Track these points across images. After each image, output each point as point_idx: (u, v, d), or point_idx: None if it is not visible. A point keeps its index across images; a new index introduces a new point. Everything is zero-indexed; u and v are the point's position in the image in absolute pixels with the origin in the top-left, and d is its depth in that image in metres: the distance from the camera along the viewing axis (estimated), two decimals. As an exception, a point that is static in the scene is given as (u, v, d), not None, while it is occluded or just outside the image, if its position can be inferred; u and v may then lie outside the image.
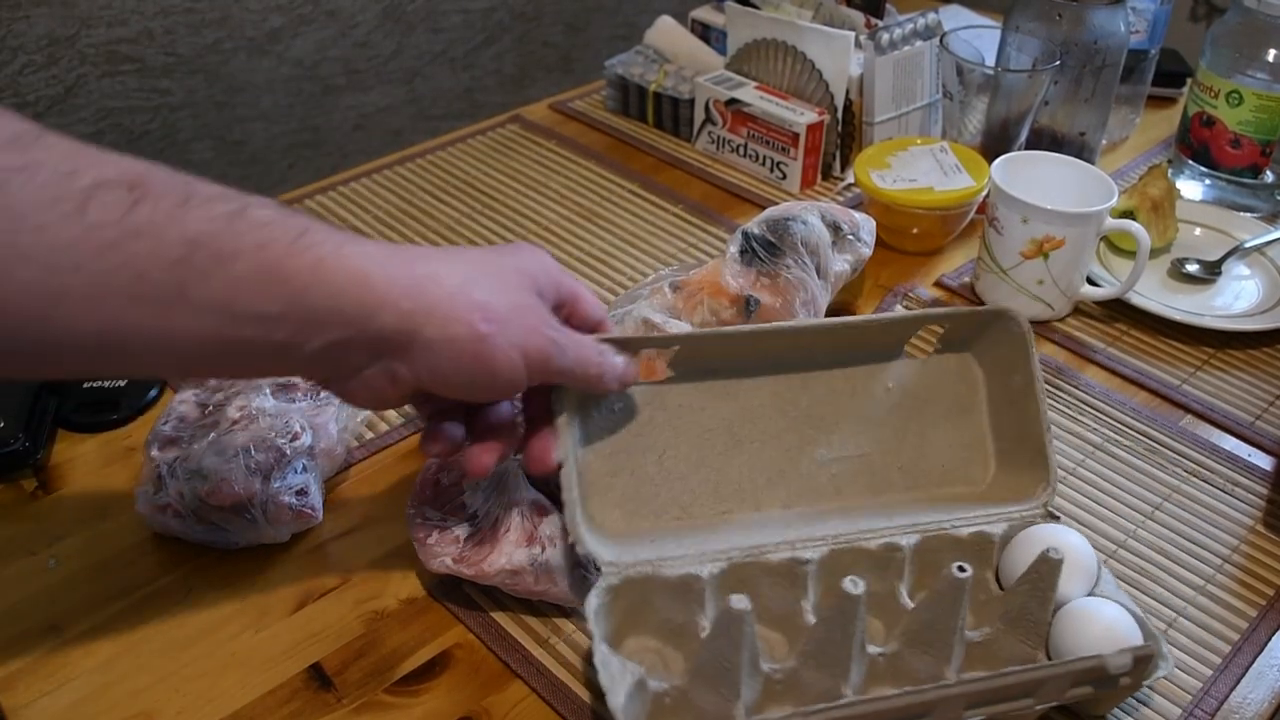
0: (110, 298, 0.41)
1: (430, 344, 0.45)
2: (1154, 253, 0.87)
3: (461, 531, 0.56)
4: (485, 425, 0.53)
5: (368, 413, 0.68)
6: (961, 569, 0.51)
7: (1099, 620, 0.53)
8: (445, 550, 0.56)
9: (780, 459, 0.60)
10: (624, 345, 0.54)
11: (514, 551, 0.55)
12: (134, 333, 0.42)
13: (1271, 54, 0.89)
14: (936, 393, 0.62)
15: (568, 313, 0.53)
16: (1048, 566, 0.52)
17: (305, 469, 0.61)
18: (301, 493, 0.61)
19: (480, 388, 0.48)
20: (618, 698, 0.48)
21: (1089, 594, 0.55)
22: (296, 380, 0.65)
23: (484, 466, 0.52)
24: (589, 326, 0.54)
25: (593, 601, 0.52)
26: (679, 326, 0.69)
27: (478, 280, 0.47)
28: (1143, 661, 0.50)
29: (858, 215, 0.77)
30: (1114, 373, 0.78)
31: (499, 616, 0.58)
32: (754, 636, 0.49)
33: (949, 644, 0.52)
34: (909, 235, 0.89)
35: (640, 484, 0.58)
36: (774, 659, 0.53)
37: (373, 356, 0.46)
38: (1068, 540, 0.56)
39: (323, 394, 0.65)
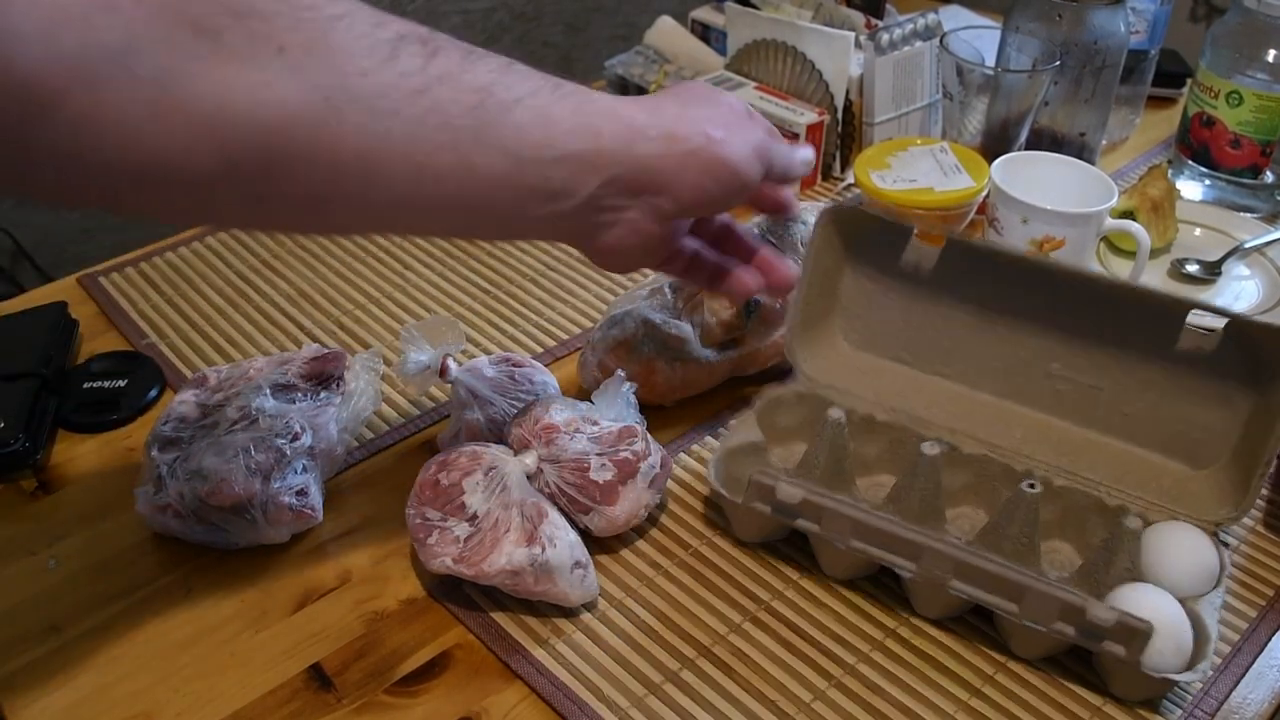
0: (423, 140, 0.45)
1: (682, 164, 0.51)
2: (1154, 253, 0.87)
3: (461, 532, 0.56)
4: (737, 250, 0.62)
5: (368, 413, 0.67)
6: (1031, 486, 0.55)
7: (1144, 606, 0.53)
8: (445, 550, 0.56)
9: (1016, 353, 0.62)
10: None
11: (514, 551, 0.55)
12: (439, 177, 0.46)
13: (1271, 54, 0.89)
14: (1205, 373, 0.60)
15: None
16: (1128, 539, 0.54)
17: (305, 469, 0.61)
18: (301, 493, 0.61)
19: (733, 189, 0.54)
20: (727, 446, 0.61)
21: (1192, 598, 0.55)
22: (296, 380, 0.65)
23: (748, 287, 0.60)
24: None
25: (766, 395, 0.65)
26: (679, 327, 0.69)
27: (692, 105, 0.53)
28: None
29: (858, 215, 0.78)
30: (1114, 373, 0.77)
31: (499, 617, 0.58)
32: (845, 450, 0.58)
33: (1003, 552, 0.56)
34: (909, 235, 0.89)
35: (885, 319, 0.66)
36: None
37: (633, 195, 0.51)
38: (1187, 538, 0.56)
39: (322, 394, 0.65)
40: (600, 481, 0.59)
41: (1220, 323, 0.58)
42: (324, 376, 0.66)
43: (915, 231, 0.65)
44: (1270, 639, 0.58)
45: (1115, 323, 0.61)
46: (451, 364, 0.65)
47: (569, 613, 0.58)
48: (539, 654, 0.56)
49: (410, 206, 0.48)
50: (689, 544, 0.63)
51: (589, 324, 0.80)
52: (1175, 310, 0.60)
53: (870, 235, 0.65)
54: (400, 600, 0.59)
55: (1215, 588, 0.56)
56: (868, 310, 0.67)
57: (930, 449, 0.57)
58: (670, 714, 0.53)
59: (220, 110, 0.40)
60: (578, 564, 0.57)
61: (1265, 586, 0.61)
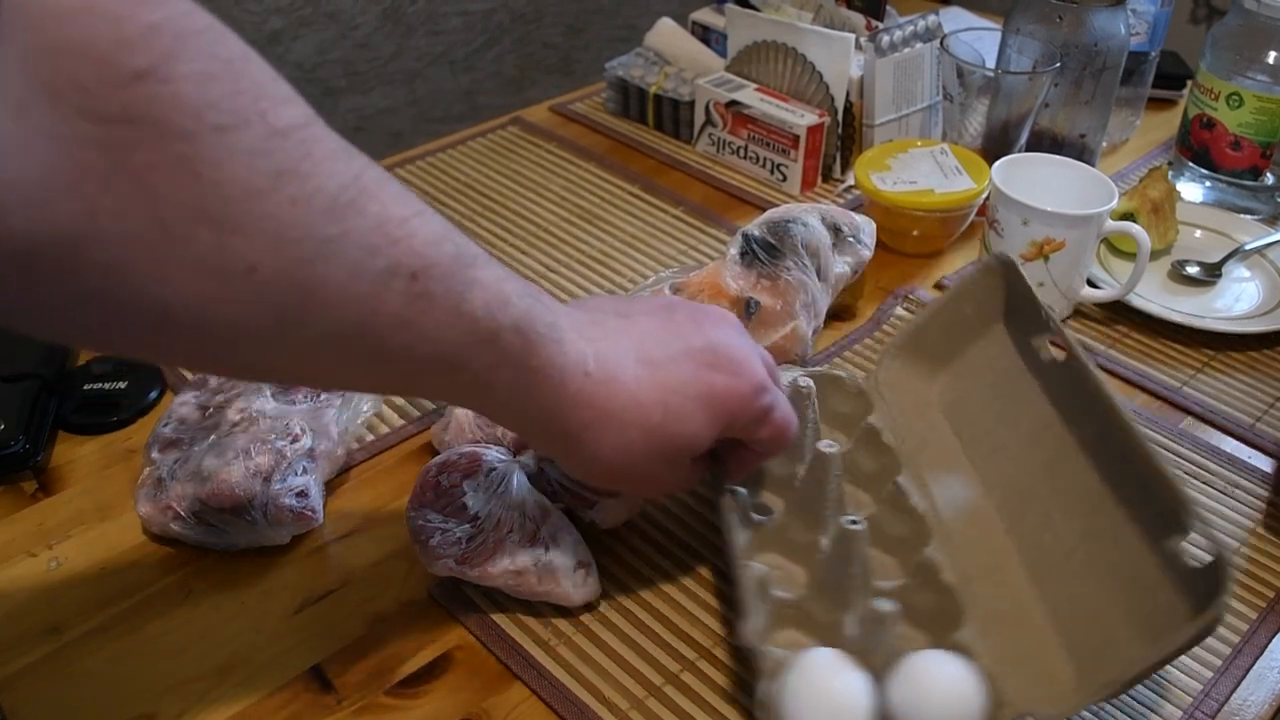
0: (356, 367, 0.43)
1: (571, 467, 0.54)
2: (1154, 255, 0.87)
3: (463, 533, 0.56)
4: None
5: (369, 414, 0.67)
6: (854, 522, 0.53)
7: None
8: (448, 552, 0.56)
9: (1038, 484, 0.59)
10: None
11: (517, 552, 0.55)
12: (374, 387, 0.52)
13: (1272, 56, 0.89)
14: (1153, 601, 0.51)
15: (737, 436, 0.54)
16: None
17: (305, 470, 0.61)
18: (302, 494, 0.61)
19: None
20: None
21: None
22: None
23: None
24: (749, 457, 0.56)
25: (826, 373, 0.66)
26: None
27: (638, 458, 0.50)
28: None
29: (858, 217, 0.78)
30: (1114, 375, 0.77)
31: (499, 618, 0.58)
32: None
33: (846, 590, 0.53)
34: (909, 237, 0.89)
35: (967, 390, 0.66)
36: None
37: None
38: (948, 672, 0.50)
39: (322, 396, 0.65)
40: None
41: (1208, 555, 0.48)
42: (324, 378, 0.66)
43: (1049, 338, 0.61)
44: (1270, 641, 0.58)
45: (1126, 504, 0.55)
46: None
47: (570, 614, 0.58)
48: (539, 656, 0.56)
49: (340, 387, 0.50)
50: (690, 545, 0.63)
51: (589, 325, 0.80)
52: (1178, 512, 0.50)
53: (1014, 304, 0.64)
54: (401, 602, 0.59)
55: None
56: (957, 374, 0.67)
57: (827, 447, 0.57)
58: (670, 716, 0.53)
59: (162, 314, 0.36)
60: (580, 564, 0.57)
61: (1266, 589, 0.61)
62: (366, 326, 0.40)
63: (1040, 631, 0.54)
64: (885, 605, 0.51)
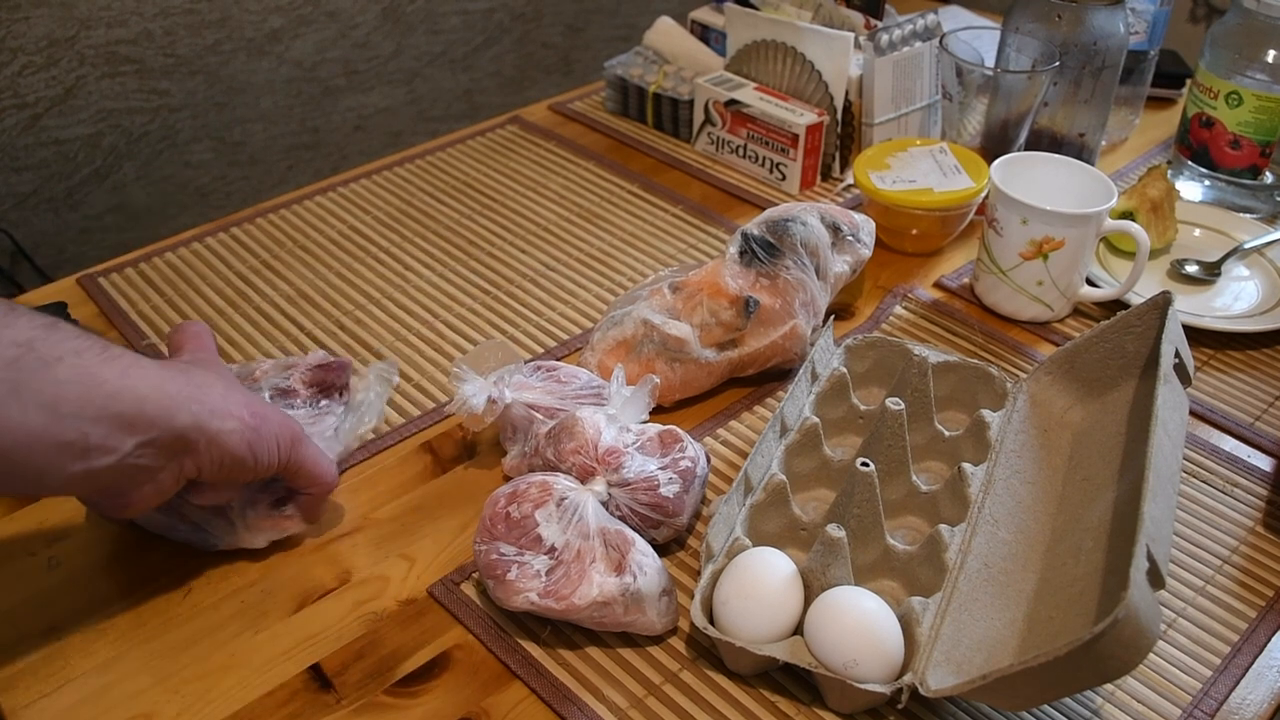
0: None
1: (215, 437, 0.53)
2: (1153, 254, 0.87)
3: (541, 565, 0.55)
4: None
5: (368, 426, 0.67)
6: (865, 464, 0.57)
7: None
8: (528, 585, 0.54)
9: (1089, 523, 0.59)
10: None
11: (605, 581, 0.54)
12: None
13: (1271, 55, 0.89)
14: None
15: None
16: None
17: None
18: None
19: (247, 470, 0.55)
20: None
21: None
22: (298, 386, 0.65)
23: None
24: None
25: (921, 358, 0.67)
26: (679, 327, 0.69)
27: (234, 389, 0.56)
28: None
29: (857, 216, 0.78)
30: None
31: (498, 617, 0.58)
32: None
33: (849, 528, 0.56)
34: (908, 236, 0.89)
35: (1096, 424, 0.66)
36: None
37: (169, 456, 0.52)
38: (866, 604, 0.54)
39: (323, 402, 0.65)
40: (670, 496, 0.59)
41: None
42: (326, 385, 0.66)
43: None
44: (1270, 640, 0.58)
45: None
46: (506, 391, 0.64)
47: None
48: (538, 654, 0.56)
49: None
50: (688, 545, 0.63)
51: (589, 324, 0.80)
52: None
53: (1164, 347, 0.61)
54: (400, 601, 0.59)
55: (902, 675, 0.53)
56: (1102, 408, 0.66)
57: (894, 404, 0.58)
58: (669, 714, 0.53)
59: None
60: (665, 591, 0.56)
61: (1265, 587, 0.61)
62: None
63: (994, 640, 0.54)
64: (835, 531, 0.54)
